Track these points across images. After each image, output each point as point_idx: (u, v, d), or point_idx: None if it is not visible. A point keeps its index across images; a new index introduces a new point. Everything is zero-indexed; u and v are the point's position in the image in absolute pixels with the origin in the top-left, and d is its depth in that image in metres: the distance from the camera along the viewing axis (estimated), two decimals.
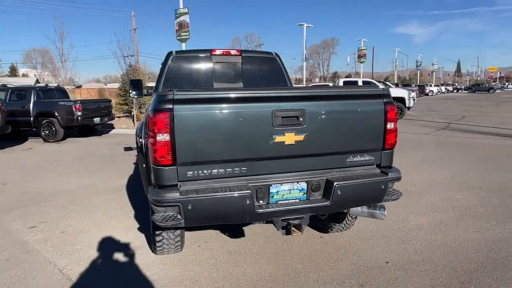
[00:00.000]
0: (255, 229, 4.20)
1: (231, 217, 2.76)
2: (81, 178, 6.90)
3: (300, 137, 2.75)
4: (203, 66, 4.78)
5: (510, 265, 3.32)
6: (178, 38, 25.27)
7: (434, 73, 63.06)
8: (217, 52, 4.79)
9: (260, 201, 2.79)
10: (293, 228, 2.84)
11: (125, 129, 14.97)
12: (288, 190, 2.85)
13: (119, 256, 3.65)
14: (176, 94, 2.52)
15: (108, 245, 3.92)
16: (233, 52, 4.84)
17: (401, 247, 3.74)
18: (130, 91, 6.21)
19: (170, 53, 4.66)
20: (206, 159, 2.65)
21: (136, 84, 6.22)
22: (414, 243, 3.82)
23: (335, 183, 2.80)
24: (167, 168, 2.59)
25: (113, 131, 14.68)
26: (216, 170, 2.69)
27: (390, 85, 22.73)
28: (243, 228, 4.22)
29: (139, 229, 4.33)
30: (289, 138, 2.74)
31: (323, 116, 2.80)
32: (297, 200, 2.88)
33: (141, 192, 5.79)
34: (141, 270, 3.37)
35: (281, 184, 2.82)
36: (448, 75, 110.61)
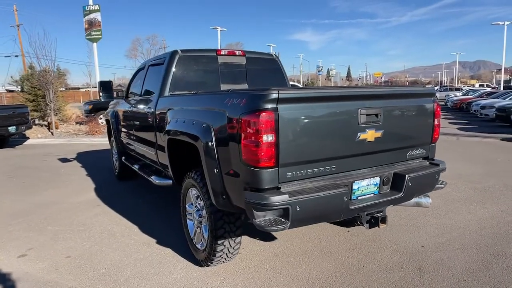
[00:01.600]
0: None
1: (330, 215, 2.75)
2: (33, 196, 5.97)
3: (378, 134, 2.89)
4: (209, 66, 4.59)
5: None
6: (88, 37, 23.39)
7: (332, 77, 68.85)
8: (223, 52, 4.65)
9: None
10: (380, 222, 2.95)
11: (42, 139, 13.23)
12: (366, 186, 2.94)
13: (161, 274, 3.31)
14: (281, 93, 2.43)
15: (136, 263, 3.51)
16: (237, 52, 4.74)
17: (422, 232, 4.11)
18: (100, 93, 5.67)
19: (175, 52, 4.35)
20: (305, 158, 2.60)
21: (106, 86, 5.72)
22: (429, 228, 4.23)
23: (406, 176, 2.99)
24: (269, 170, 2.48)
25: (28, 141, 12.85)
26: (311, 170, 2.66)
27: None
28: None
29: (159, 243, 3.96)
30: (370, 135, 2.85)
31: (394, 113, 2.98)
32: (372, 195, 2.99)
33: (130, 205, 5.30)
34: (199, 286, 3.12)
35: (361, 180, 2.90)
36: (342, 79, 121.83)
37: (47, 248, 3.93)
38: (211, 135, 2.86)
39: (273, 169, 2.49)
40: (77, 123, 17.43)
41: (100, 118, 17.43)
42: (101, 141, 12.33)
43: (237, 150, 2.59)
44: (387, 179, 3.05)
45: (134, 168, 5.41)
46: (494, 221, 4.38)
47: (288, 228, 2.53)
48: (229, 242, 3.15)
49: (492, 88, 41.46)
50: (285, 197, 2.45)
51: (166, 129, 3.69)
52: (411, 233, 4.10)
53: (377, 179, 3.00)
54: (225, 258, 3.26)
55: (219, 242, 3.10)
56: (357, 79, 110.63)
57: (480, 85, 49.91)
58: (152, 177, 4.60)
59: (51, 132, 14.24)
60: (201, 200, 3.29)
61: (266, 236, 4.05)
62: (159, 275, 3.30)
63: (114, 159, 7.08)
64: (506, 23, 29.42)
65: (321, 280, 3.16)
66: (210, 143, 2.85)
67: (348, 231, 4.18)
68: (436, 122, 3.32)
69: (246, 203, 2.53)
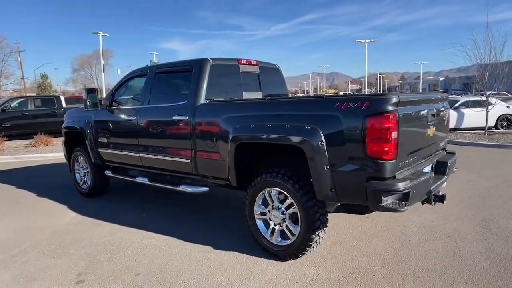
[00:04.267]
0: None
1: (423, 196, 3.35)
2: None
3: (434, 130, 3.66)
4: (234, 75, 4.78)
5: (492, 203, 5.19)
6: None
7: None
8: (243, 61, 4.88)
9: None
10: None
11: None
12: (427, 171, 3.67)
13: (256, 273, 3.43)
14: (400, 98, 2.96)
15: (219, 269, 3.54)
16: (253, 62, 5.03)
17: (420, 212, 5.00)
18: (88, 102, 5.29)
19: (206, 60, 4.42)
20: (406, 151, 3.19)
21: (93, 95, 5.37)
22: (421, 208, 4.97)
23: (448, 162, 3.83)
24: (392, 161, 2.98)
25: None
26: (407, 160, 3.25)
27: None
28: None
29: (218, 248, 3.99)
30: (431, 131, 3.60)
31: (438, 113, 3.79)
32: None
33: (135, 219, 5.20)
34: (299, 276, 3.38)
35: (425, 167, 3.61)
36: None
37: (100, 270, 3.58)
38: (320, 136, 3.18)
39: (393, 160, 3.00)
40: None
41: None
42: (10, 160, 10.56)
43: (360, 146, 3.01)
44: (433, 166, 3.84)
45: (140, 181, 5.15)
46: (461, 197, 5.63)
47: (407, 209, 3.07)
48: (321, 232, 3.50)
49: None
50: (407, 183, 2.99)
51: (233, 135, 3.77)
52: (414, 213, 4.98)
53: (430, 166, 3.76)
54: (314, 247, 3.58)
55: (315, 233, 3.42)
56: None
57: (343, 94, 57.62)
58: (181, 186, 4.54)
59: None
60: (288, 198, 3.53)
61: None
62: (255, 274, 3.42)
63: (79, 175, 6.40)
64: (367, 41, 35.28)
65: (391, 253, 3.75)
66: (320, 143, 3.17)
67: (367, 217, 4.87)
68: (449, 120, 4.28)
69: (373, 191, 2.96)
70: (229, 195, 5.83)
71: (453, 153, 4.27)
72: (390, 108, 2.92)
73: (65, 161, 10.33)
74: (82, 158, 6.21)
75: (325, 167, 3.19)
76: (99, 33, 33.70)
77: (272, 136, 3.51)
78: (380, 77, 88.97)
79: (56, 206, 5.85)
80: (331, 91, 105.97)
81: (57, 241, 4.36)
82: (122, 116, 5.23)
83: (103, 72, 35.00)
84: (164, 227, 4.68)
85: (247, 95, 4.86)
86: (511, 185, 6.22)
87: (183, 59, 4.99)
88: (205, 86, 4.33)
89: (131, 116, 5.07)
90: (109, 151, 5.57)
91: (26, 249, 4.14)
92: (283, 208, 3.62)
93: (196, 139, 4.25)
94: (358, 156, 3.04)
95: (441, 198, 3.67)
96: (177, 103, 4.50)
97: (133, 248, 4.09)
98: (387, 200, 3.01)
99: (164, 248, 4.07)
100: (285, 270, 3.49)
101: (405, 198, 3.03)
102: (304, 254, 3.57)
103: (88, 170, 6.13)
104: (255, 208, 3.82)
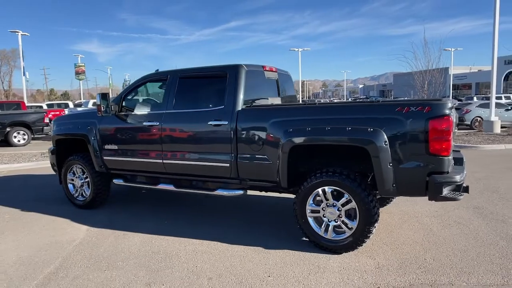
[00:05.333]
0: None
1: None
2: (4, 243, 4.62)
3: (456, 129, 4.26)
4: (261, 81, 4.96)
5: None
6: None
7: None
8: (267, 68, 5.09)
9: None
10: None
11: None
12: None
13: (323, 268, 3.66)
14: (453, 102, 3.46)
15: (283, 268, 3.70)
16: (274, 69, 5.26)
17: (422, 204, 5.67)
18: (102, 107, 5.10)
19: (241, 66, 4.54)
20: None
21: (105, 100, 5.19)
22: (418, 200, 5.85)
23: (464, 158, 4.46)
24: (449, 157, 3.47)
25: None
26: (450, 157, 3.76)
27: None
28: None
29: (269, 248, 4.13)
30: (456, 132, 4.18)
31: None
32: None
33: (159, 227, 5.27)
34: (363, 266, 3.69)
35: (452, 162, 4.18)
36: None
37: (168, 278, 3.52)
38: (383, 137, 3.54)
39: (449, 157, 3.48)
40: None
41: None
42: None
43: (422, 145, 3.43)
44: (454, 162, 4.44)
45: (163, 188, 5.04)
46: None
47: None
48: (376, 224, 3.85)
49: None
50: (462, 175, 3.49)
51: (287, 139, 3.95)
52: (416, 205, 5.59)
53: (452, 162, 4.34)
54: (369, 238, 3.91)
55: (373, 225, 3.77)
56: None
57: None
58: (218, 190, 4.59)
59: None
60: (343, 195, 3.82)
61: None
62: (322, 267, 3.65)
63: (72, 186, 5.97)
64: (300, 49, 37.32)
65: (424, 240, 4.25)
66: (384, 143, 3.54)
67: (381, 211, 5.35)
68: None
69: (436, 183, 3.41)
70: (238, 196, 5.95)
71: (458, 151, 4.95)
72: (447, 111, 3.40)
73: (19, 173, 9.54)
74: (79, 167, 5.82)
75: (388, 164, 3.56)
76: (18, 32, 30.68)
77: (333, 138, 3.79)
78: (306, 84, 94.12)
79: (54, 219, 5.41)
80: None
81: (92, 254, 4.12)
82: (140, 121, 5.07)
83: (24, 75, 31.74)
84: (197, 233, 4.66)
85: (273, 100, 5.07)
86: (478, 179, 7.23)
87: (205, 65, 5.02)
88: (242, 91, 4.46)
89: (152, 121, 4.95)
90: (120, 158, 5.33)
91: (63, 265, 3.86)
92: (339, 205, 3.90)
93: (238, 143, 4.33)
94: (420, 154, 3.47)
95: (466, 189, 4.24)
96: (212, 108, 4.55)
97: (183, 255, 4.04)
98: (445, 191, 3.48)
99: (214, 252, 4.09)
100: (347, 261, 3.77)
101: (458, 188, 3.53)
102: (361, 245, 3.89)
103: (87, 180, 5.77)
104: (307, 207, 4.05)
